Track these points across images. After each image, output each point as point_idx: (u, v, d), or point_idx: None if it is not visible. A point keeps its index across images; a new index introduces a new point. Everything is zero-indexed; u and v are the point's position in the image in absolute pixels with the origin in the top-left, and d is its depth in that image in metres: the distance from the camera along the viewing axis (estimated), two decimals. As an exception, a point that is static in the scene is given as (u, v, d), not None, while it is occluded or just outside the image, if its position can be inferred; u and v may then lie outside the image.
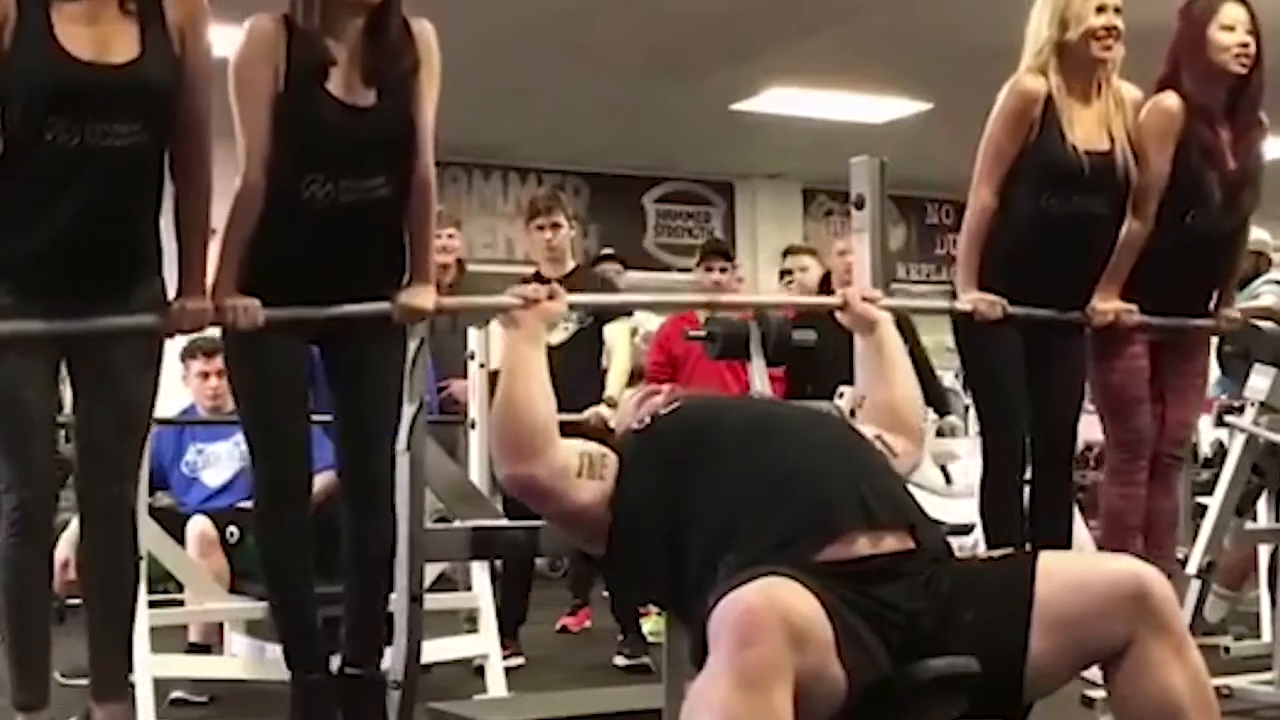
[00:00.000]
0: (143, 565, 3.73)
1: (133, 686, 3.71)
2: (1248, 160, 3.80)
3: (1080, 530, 3.99)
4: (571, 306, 2.91)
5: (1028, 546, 3.72)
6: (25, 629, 2.84)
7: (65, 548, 3.48)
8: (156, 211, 2.85)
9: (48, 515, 2.80)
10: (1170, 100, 3.71)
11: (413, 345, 3.07)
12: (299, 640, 3.23)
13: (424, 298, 3.04)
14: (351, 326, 3.03)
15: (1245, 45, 3.71)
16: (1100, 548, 4.07)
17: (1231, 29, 3.71)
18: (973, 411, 3.98)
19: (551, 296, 2.79)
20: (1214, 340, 4.24)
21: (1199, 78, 3.72)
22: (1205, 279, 3.92)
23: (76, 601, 2.94)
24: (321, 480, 3.40)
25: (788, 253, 6.68)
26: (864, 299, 3.04)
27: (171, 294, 2.93)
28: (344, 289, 2.98)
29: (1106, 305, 3.70)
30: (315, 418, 3.38)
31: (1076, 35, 3.59)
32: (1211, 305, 3.97)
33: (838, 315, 3.08)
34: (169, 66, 2.75)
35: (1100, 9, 3.59)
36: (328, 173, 2.91)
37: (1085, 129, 3.62)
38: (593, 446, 2.54)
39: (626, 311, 5.62)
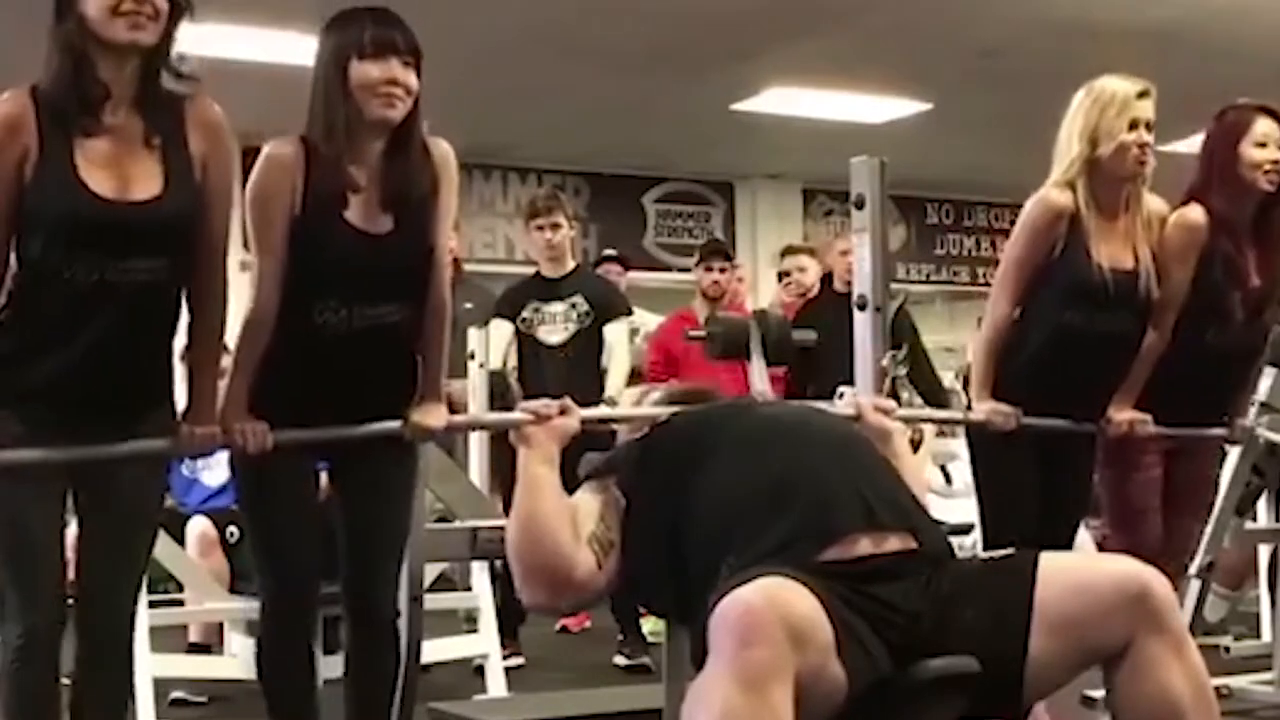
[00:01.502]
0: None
1: (132, 686, 3.73)
2: (1272, 277, 3.73)
3: (1080, 530, 3.96)
4: (583, 421, 2.82)
5: None
6: None
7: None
8: (171, 340, 2.82)
9: (54, 641, 2.73)
10: (1195, 215, 3.64)
11: (420, 459, 3.05)
12: None
13: (435, 417, 3.00)
14: (360, 447, 2.98)
15: (1276, 162, 3.64)
16: (1100, 548, 4.06)
17: (1264, 145, 3.64)
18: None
19: (564, 412, 2.74)
20: (1227, 450, 4.18)
21: (1227, 192, 3.65)
22: (1223, 392, 3.85)
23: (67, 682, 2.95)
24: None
25: (785, 253, 6.69)
26: (877, 409, 2.95)
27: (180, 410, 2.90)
28: (354, 411, 2.94)
29: (1121, 416, 3.63)
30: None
31: (1108, 152, 3.50)
32: (1226, 414, 3.89)
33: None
34: (191, 200, 2.70)
35: (1133, 125, 3.50)
36: (342, 299, 2.86)
37: (1111, 247, 3.55)
38: (592, 513, 2.52)
39: (626, 310, 5.62)
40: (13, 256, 2.65)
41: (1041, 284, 3.57)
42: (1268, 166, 3.63)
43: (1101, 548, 3.87)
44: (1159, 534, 3.76)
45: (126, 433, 2.74)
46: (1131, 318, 3.59)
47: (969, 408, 3.66)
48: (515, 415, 2.77)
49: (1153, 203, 3.64)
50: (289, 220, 2.84)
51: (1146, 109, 3.52)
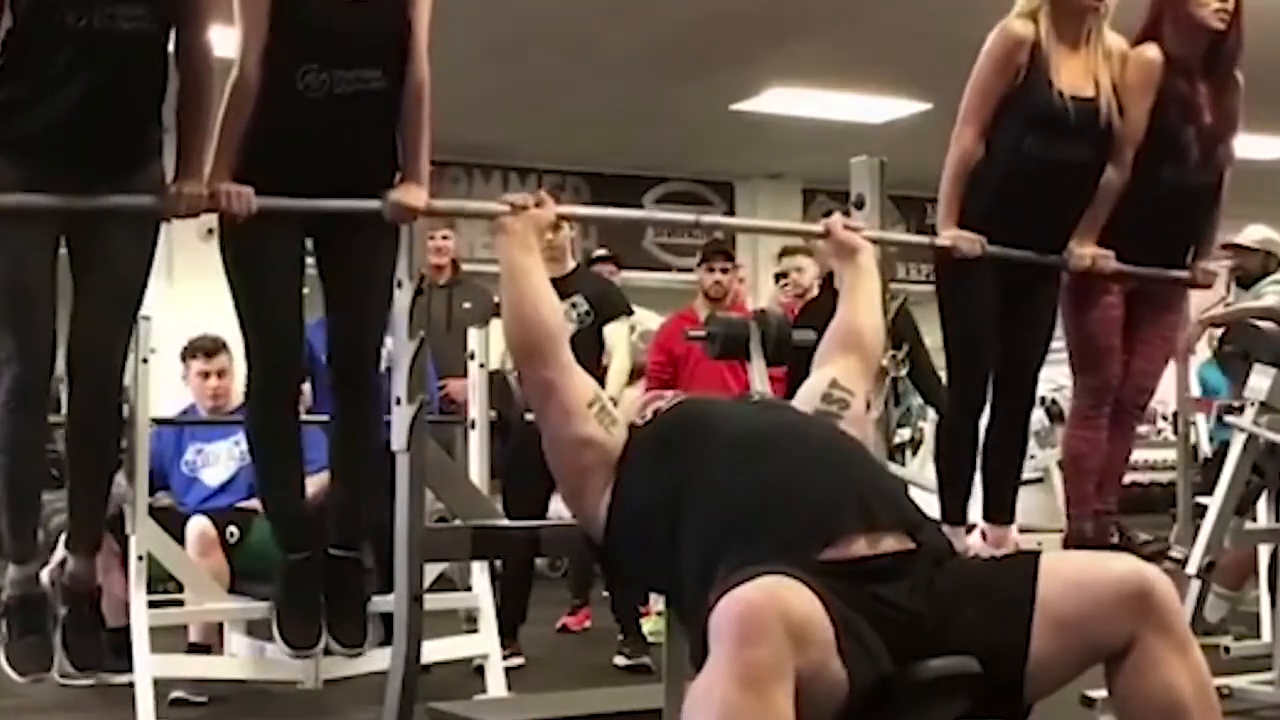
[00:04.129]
0: (142, 565, 3.76)
1: (132, 686, 3.73)
2: (1224, 115, 3.84)
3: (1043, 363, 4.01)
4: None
5: (979, 480, 3.85)
6: (18, 492, 2.96)
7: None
8: (160, 98, 2.93)
9: (44, 386, 2.90)
10: (1151, 52, 3.75)
11: (402, 266, 3.11)
12: (288, 522, 3.35)
13: (415, 196, 3.10)
14: (343, 221, 3.10)
15: (1224, 1, 3.74)
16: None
17: None
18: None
19: (540, 204, 2.84)
20: (1191, 295, 4.26)
21: (1179, 31, 3.76)
22: (1182, 232, 3.95)
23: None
24: (315, 483, 3.42)
25: (783, 254, 6.69)
26: (846, 227, 3.10)
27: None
28: (337, 182, 3.04)
29: (1084, 250, 3.73)
30: (309, 417, 3.43)
31: None
32: (1189, 259, 3.99)
33: (819, 244, 3.15)
34: None
35: None
36: (323, 62, 2.97)
37: (1071, 76, 3.64)
38: (606, 396, 2.61)
39: (627, 310, 5.62)
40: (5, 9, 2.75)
41: (1004, 113, 3.66)
42: (1215, 5, 3.73)
43: (1062, 467, 3.96)
44: (1117, 372, 3.89)
45: (117, 187, 2.86)
46: (1091, 147, 3.68)
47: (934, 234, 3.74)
48: (494, 205, 2.87)
49: (1112, 38, 3.74)
50: None
51: None
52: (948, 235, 3.66)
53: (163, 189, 2.94)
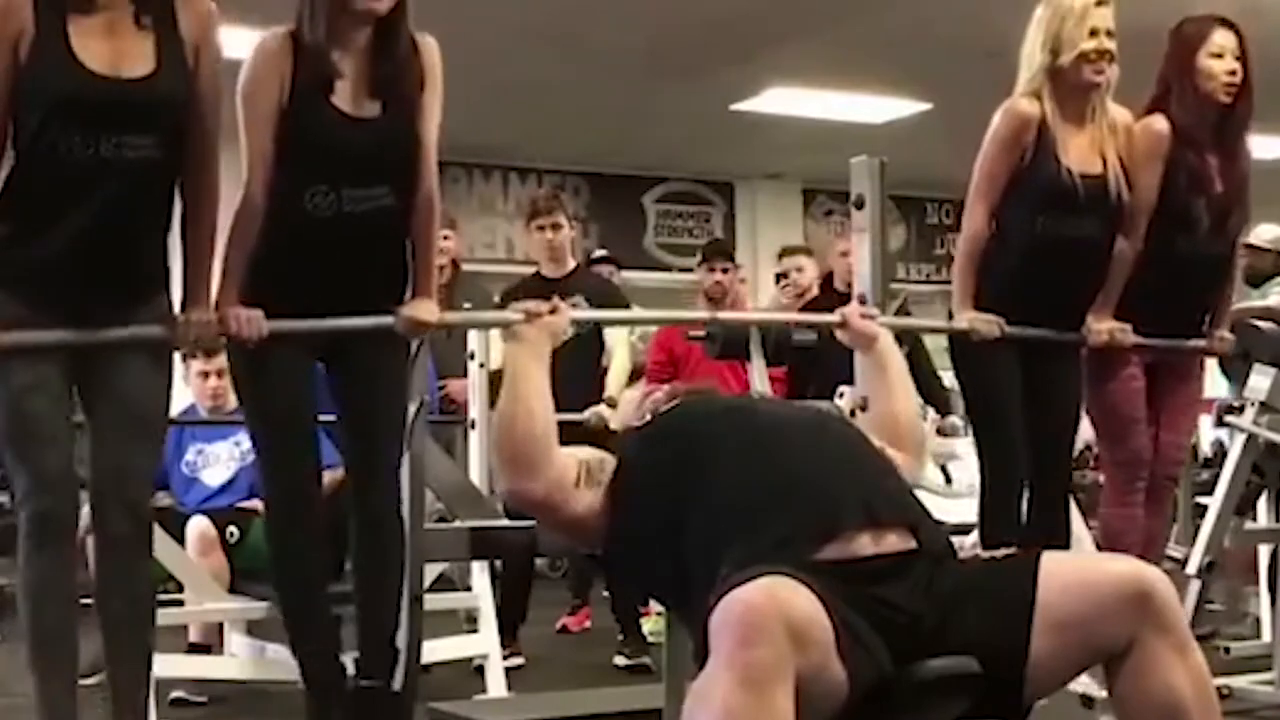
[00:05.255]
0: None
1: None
2: (1235, 185, 3.80)
3: (1080, 529, 3.97)
4: (574, 320, 2.90)
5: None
6: (50, 643, 2.78)
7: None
8: (167, 226, 2.86)
9: (67, 522, 2.74)
10: (1159, 124, 3.73)
11: (414, 345, 3.08)
12: (314, 652, 3.18)
13: (427, 311, 3.05)
14: (355, 339, 3.03)
15: (1233, 73, 3.72)
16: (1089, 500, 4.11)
17: (1220, 56, 3.72)
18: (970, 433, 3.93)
19: (554, 311, 2.79)
20: (1210, 362, 4.22)
21: (1187, 103, 3.73)
22: (1197, 301, 3.91)
23: (88, 600, 2.91)
24: (328, 478, 3.40)
25: (783, 254, 6.69)
26: (862, 316, 3.04)
27: (177, 309, 2.92)
28: (347, 301, 2.98)
29: (1101, 325, 3.70)
30: (320, 417, 3.38)
31: (1069, 60, 3.58)
32: (1205, 326, 3.95)
33: (837, 333, 3.09)
34: (183, 80, 2.77)
35: (1093, 33, 3.58)
36: (331, 183, 2.92)
37: (1079, 152, 3.62)
38: (591, 454, 2.55)
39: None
40: (9, 139, 2.71)
41: (1014, 193, 3.63)
42: (1224, 78, 3.71)
43: (1101, 546, 3.88)
44: (1146, 444, 3.83)
45: (125, 318, 2.79)
46: (1103, 223, 3.66)
47: (950, 317, 3.71)
48: (508, 314, 2.82)
49: (1117, 111, 3.71)
50: (277, 110, 2.90)
51: (1105, 17, 3.62)
52: (965, 318, 3.63)
53: (171, 318, 2.87)
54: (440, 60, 3.04)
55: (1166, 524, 4.14)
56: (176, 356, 3.00)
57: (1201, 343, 3.93)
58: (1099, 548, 3.88)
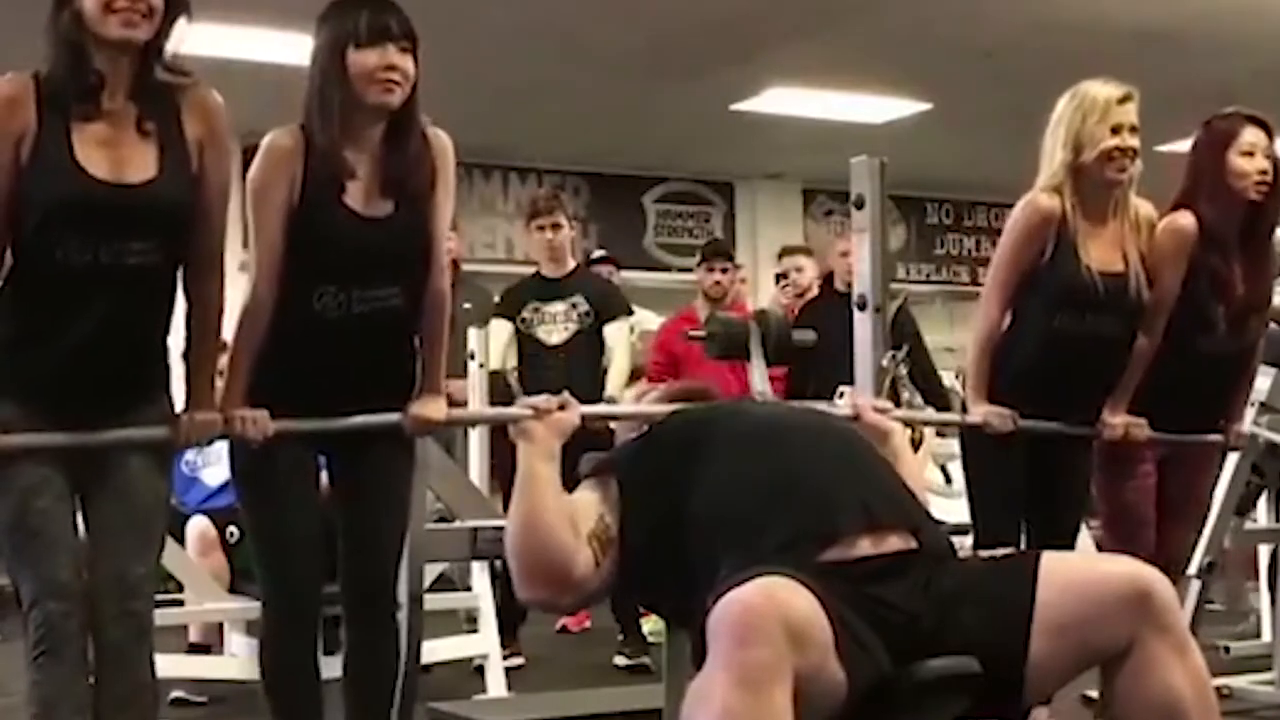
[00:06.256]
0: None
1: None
2: (1259, 286, 3.74)
3: (1081, 531, 3.96)
4: (583, 417, 2.82)
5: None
6: None
7: None
8: (167, 329, 2.82)
9: (77, 630, 2.68)
10: (1184, 220, 3.64)
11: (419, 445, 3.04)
12: None
13: (435, 409, 3.00)
14: (360, 437, 2.97)
15: (1264, 172, 3.64)
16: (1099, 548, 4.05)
17: (1251, 154, 3.64)
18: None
19: (563, 407, 2.73)
20: (1225, 456, 4.16)
21: (1216, 201, 3.65)
22: (1215, 398, 3.84)
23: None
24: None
25: (782, 254, 6.68)
26: (875, 409, 2.97)
27: (179, 408, 2.88)
28: (354, 400, 2.93)
29: (1116, 419, 3.63)
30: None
31: (1091, 158, 3.51)
32: (1221, 420, 3.87)
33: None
34: (186, 186, 2.72)
35: (1115, 130, 3.50)
36: (340, 283, 2.86)
37: (1100, 250, 3.56)
38: (592, 513, 2.50)
39: (627, 311, 5.62)
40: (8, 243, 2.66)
41: (1032, 287, 3.58)
42: (1256, 176, 3.63)
43: (1100, 549, 3.87)
44: (1152, 542, 3.73)
45: (126, 421, 2.75)
46: (1122, 321, 3.59)
47: (965, 409, 3.66)
48: (515, 410, 2.77)
49: (1141, 207, 3.64)
50: (288, 209, 2.85)
51: (1128, 113, 3.53)
52: (978, 411, 3.58)
53: (174, 418, 2.82)
54: (453, 155, 2.99)
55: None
56: (176, 356, 2.95)
57: (1218, 436, 3.86)
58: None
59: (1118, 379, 3.64)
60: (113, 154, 2.66)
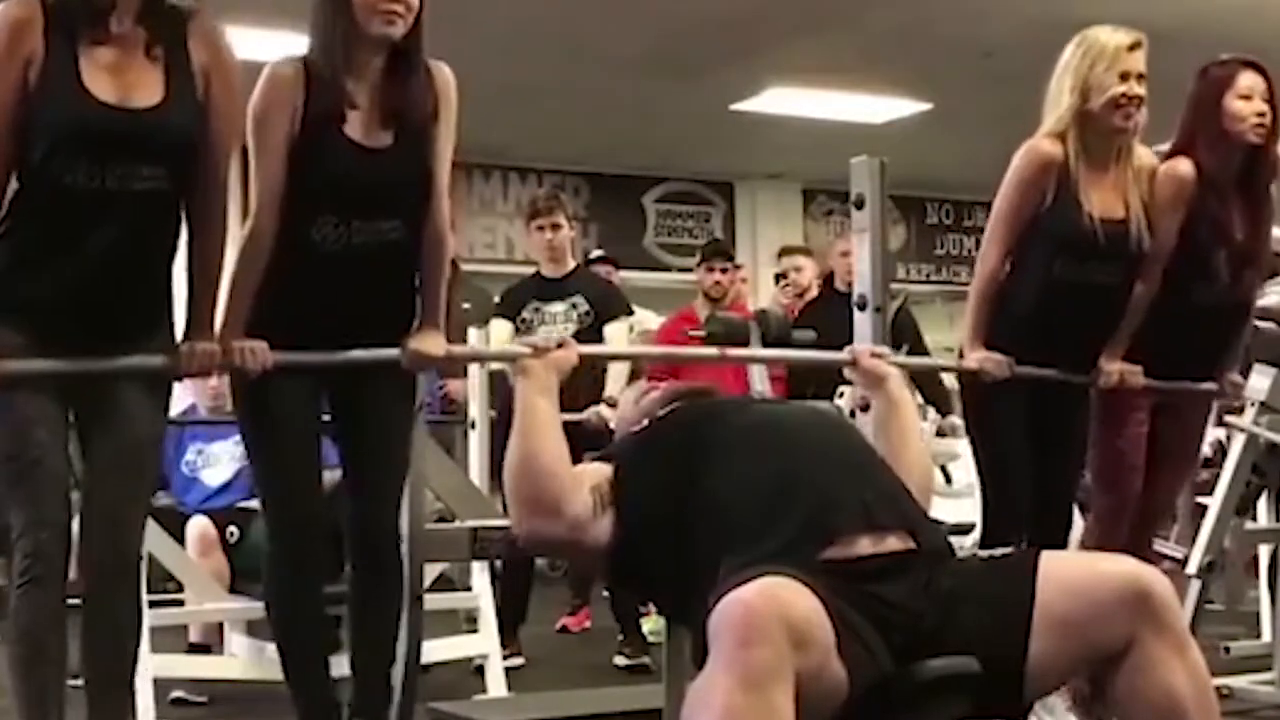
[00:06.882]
0: (142, 565, 3.73)
1: (132, 686, 3.73)
2: (1257, 234, 3.73)
3: (1079, 526, 3.96)
4: (582, 357, 2.87)
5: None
6: (38, 683, 2.73)
7: None
8: (172, 257, 2.83)
9: (61, 563, 2.71)
10: (1183, 167, 3.64)
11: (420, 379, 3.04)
12: (310, 699, 3.11)
13: (434, 344, 3.00)
14: (360, 371, 2.98)
15: (1262, 115, 3.63)
16: (1082, 508, 4.07)
17: (1248, 98, 3.63)
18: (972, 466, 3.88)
19: (561, 345, 2.77)
20: (1214, 407, 4.17)
21: (1215, 146, 3.65)
22: (1210, 348, 3.84)
23: (75, 602, 2.90)
24: (326, 477, 3.40)
25: (782, 254, 6.68)
26: (872, 355, 3.00)
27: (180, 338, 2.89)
28: (353, 333, 2.94)
29: (1112, 367, 3.64)
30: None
31: (1098, 104, 3.50)
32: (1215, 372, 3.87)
33: (846, 372, 3.07)
34: (192, 112, 2.74)
35: (1124, 77, 3.50)
36: (340, 215, 2.87)
37: (1101, 197, 3.55)
38: (598, 472, 2.52)
39: (627, 311, 5.62)
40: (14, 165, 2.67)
41: (1032, 234, 3.58)
42: (1254, 120, 3.63)
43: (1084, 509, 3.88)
44: (1138, 491, 3.77)
45: (127, 350, 2.76)
46: (1122, 269, 3.60)
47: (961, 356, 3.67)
48: (515, 348, 2.81)
49: (1144, 155, 3.65)
50: (288, 138, 2.86)
51: (1137, 61, 3.53)
52: (975, 358, 3.57)
53: (174, 347, 2.83)
54: (455, 89, 2.99)
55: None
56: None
57: (1212, 385, 3.86)
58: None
59: (1115, 327, 3.65)
60: (120, 79, 2.67)
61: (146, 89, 2.69)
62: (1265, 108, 3.63)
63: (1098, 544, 3.81)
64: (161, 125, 2.69)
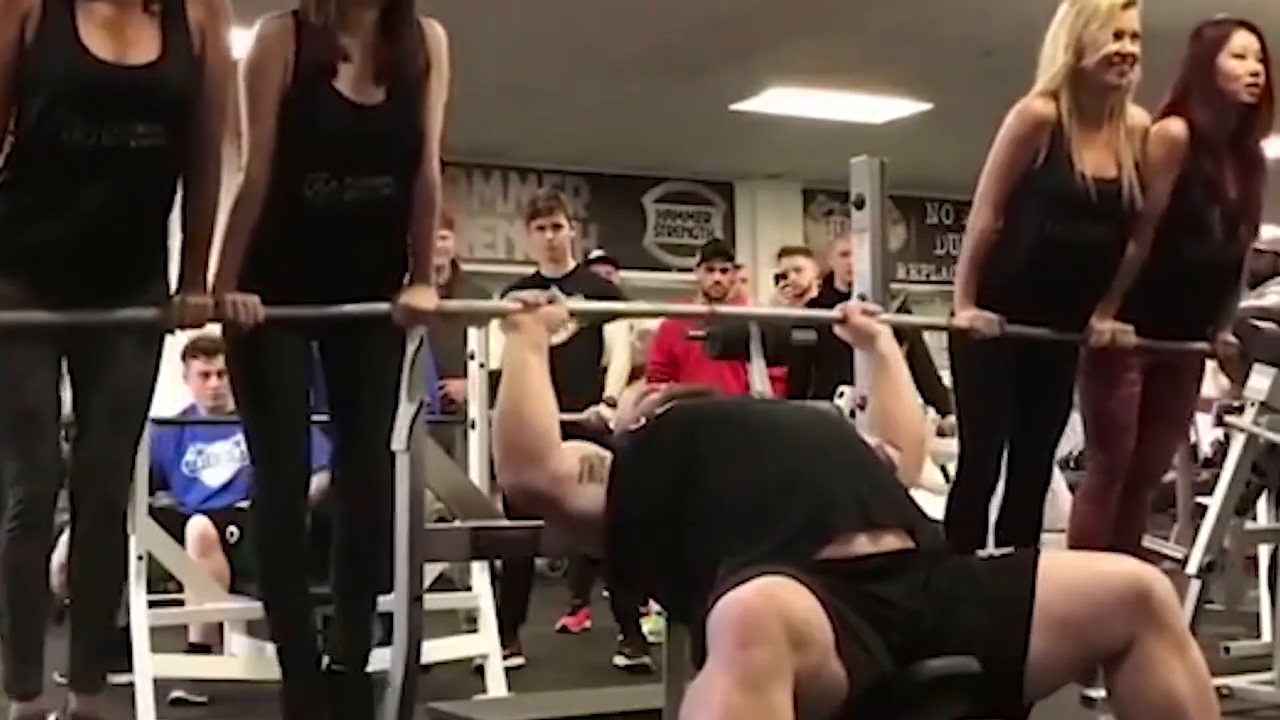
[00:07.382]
0: (142, 565, 3.74)
1: (132, 686, 3.73)
2: (1249, 193, 3.76)
3: (1060, 486, 3.97)
4: (572, 313, 2.90)
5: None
6: (23, 621, 2.85)
7: (64, 550, 3.48)
8: (168, 213, 2.87)
9: (50, 510, 2.79)
10: (1176, 127, 3.66)
11: (411, 346, 3.07)
12: (292, 639, 3.20)
13: (425, 299, 3.03)
14: (350, 326, 3.02)
15: (1255, 74, 3.66)
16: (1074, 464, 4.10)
17: (1242, 57, 3.66)
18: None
19: (552, 301, 2.79)
20: (1209, 366, 4.19)
21: (1207, 105, 3.68)
22: (1202, 307, 3.87)
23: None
24: (317, 481, 3.40)
25: (782, 254, 6.68)
26: (863, 313, 3.04)
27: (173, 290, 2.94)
28: (344, 288, 2.97)
29: (1104, 325, 3.66)
30: (313, 417, 3.37)
31: (1092, 62, 3.53)
32: (1208, 332, 3.92)
33: (836, 329, 3.08)
34: (189, 68, 2.76)
35: (1118, 35, 3.52)
36: (331, 170, 2.90)
37: (1094, 156, 3.57)
38: (593, 450, 2.54)
39: (627, 311, 5.62)
40: (11, 120, 2.71)
41: (1024, 193, 3.60)
42: (1247, 79, 3.65)
43: (1070, 537, 3.89)
44: (1131, 449, 3.80)
45: (122, 303, 2.80)
46: (1114, 227, 3.62)
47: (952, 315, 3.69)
48: (505, 304, 2.81)
49: (1136, 114, 3.66)
50: (280, 92, 2.88)
51: (1131, 19, 3.56)
52: (965, 316, 3.61)
53: (166, 301, 2.86)
54: (447, 47, 3.01)
55: (1143, 527, 4.10)
56: (176, 356, 3.00)
57: (1204, 345, 3.89)
58: (1069, 546, 3.88)
59: (1107, 286, 3.65)
60: (117, 35, 2.70)
61: (143, 46, 2.71)
62: (1259, 67, 3.67)
63: (1091, 498, 3.85)
64: (158, 82, 2.72)
